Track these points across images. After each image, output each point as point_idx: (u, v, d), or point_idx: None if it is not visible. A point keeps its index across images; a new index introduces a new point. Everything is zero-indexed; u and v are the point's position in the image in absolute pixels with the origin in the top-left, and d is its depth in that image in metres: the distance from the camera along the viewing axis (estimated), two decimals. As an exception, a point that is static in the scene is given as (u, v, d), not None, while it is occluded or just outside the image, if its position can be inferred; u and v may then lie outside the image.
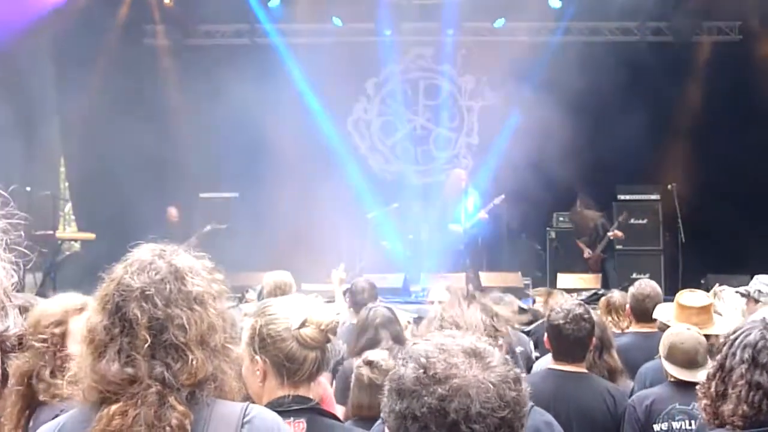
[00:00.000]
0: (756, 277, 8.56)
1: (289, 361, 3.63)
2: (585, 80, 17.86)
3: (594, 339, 6.25)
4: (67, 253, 18.97)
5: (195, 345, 2.81)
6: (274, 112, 18.50)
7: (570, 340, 5.92)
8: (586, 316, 5.99)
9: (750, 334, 3.97)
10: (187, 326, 2.81)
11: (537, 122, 17.89)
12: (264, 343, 3.66)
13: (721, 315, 7.67)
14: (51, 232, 16.50)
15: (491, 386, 2.22)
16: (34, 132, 17.74)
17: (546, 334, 6.15)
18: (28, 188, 16.04)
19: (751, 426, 3.84)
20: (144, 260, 2.91)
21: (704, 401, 4.08)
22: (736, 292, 8.48)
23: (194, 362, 2.78)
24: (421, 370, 2.26)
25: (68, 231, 20.50)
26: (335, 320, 3.75)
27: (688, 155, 18.99)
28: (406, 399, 2.25)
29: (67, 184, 20.87)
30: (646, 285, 8.16)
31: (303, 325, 3.66)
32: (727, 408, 3.93)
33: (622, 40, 20.53)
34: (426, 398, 2.21)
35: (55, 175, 20.52)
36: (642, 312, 7.81)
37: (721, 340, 4.19)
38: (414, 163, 21.53)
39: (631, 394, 6.41)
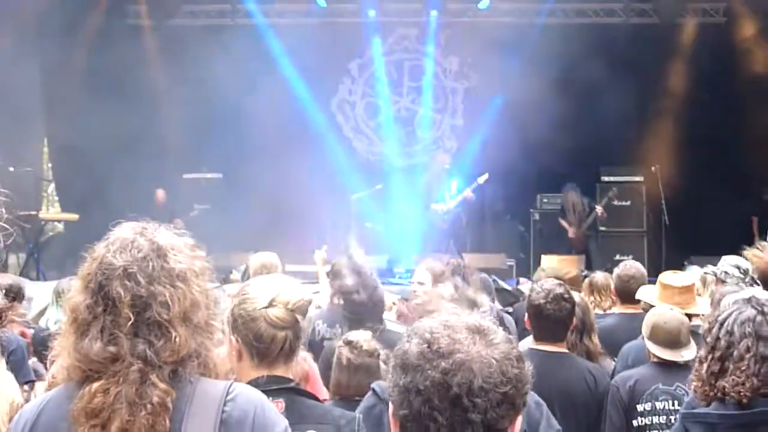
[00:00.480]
0: (723, 258, 8.60)
1: (257, 341, 3.67)
2: (569, 62, 17.91)
3: (575, 321, 6.28)
4: (51, 233, 18.95)
5: (178, 322, 2.80)
6: (258, 93, 18.46)
7: (551, 320, 5.93)
8: (566, 296, 6.01)
9: (743, 311, 4.04)
10: (170, 303, 2.80)
11: (521, 104, 17.88)
12: (236, 323, 3.71)
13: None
14: (34, 212, 16.47)
15: (494, 362, 2.26)
16: (16, 112, 17.65)
17: (526, 315, 6.16)
18: (11, 168, 16.01)
19: (758, 397, 3.89)
20: (126, 238, 2.90)
21: (695, 383, 4.12)
22: (705, 273, 8.55)
23: (177, 339, 2.78)
24: (425, 345, 2.30)
25: (51, 212, 20.45)
26: (304, 299, 3.78)
27: (672, 137, 19.05)
28: (410, 373, 2.28)
29: (50, 164, 20.80)
30: (631, 266, 8.20)
31: (270, 304, 3.70)
32: (727, 383, 3.96)
33: (607, 22, 20.50)
34: (430, 372, 2.25)
35: (38, 156, 20.44)
36: (627, 293, 7.84)
37: (706, 324, 4.24)
38: (398, 145, 21.48)
39: (612, 373, 6.45)
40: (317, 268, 11.16)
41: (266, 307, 3.68)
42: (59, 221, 19.09)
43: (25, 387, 5.45)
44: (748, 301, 4.12)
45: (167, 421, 2.71)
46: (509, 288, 13.92)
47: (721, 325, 4.10)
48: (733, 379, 3.95)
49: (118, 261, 2.83)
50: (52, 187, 21.22)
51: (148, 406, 2.69)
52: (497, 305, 10.08)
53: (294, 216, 17.99)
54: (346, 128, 21.69)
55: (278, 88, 19.38)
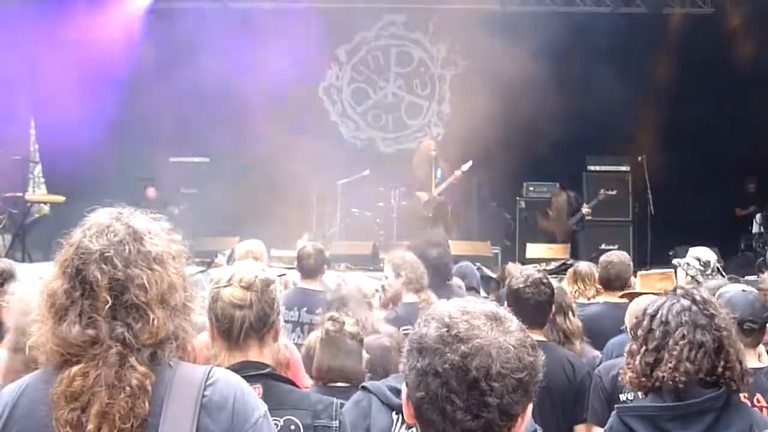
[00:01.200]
0: (690, 249, 8.66)
1: (218, 320, 3.77)
2: (557, 51, 17.94)
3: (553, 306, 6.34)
4: (37, 215, 18.90)
5: (156, 304, 2.82)
6: (246, 77, 18.43)
7: (530, 303, 5.95)
8: (545, 281, 6.06)
9: (676, 302, 4.17)
10: (147, 286, 2.81)
11: (508, 92, 17.90)
12: (209, 304, 3.84)
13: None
14: (20, 194, 16.44)
15: (511, 348, 2.31)
16: (2, 93, 17.61)
17: (506, 302, 6.18)
18: (-2, 150, 15.99)
19: (696, 386, 3.99)
20: (102, 223, 2.91)
21: (629, 375, 4.17)
22: (672, 263, 8.64)
23: (155, 321, 2.79)
24: (445, 329, 2.33)
25: (38, 193, 20.40)
26: (259, 278, 3.84)
27: (658, 127, 19.11)
28: (427, 356, 2.32)
29: (36, 146, 20.74)
30: (615, 255, 8.26)
31: (227, 283, 3.78)
32: (663, 371, 4.03)
33: (594, 11, 20.51)
34: (449, 355, 2.29)
35: (25, 138, 20.38)
36: (611, 281, 7.89)
37: (634, 319, 4.34)
38: (385, 131, 21.53)
39: (596, 365, 6.48)
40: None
41: (223, 287, 3.78)
42: (45, 203, 19.05)
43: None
44: (678, 293, 4.25)
45: (147, 404, 2.72)
46: (494, 276, 13.93)
47: (653, 317, 4.19)
48: (669, 367, 4.02)
49: (94, 245, 2.84)
50: (38, 168, 21.16)
51: (127, 388, 2.70)
52: (482, 293, 10.13)
53: (280, 201, 17.99)
54: (333, 113, 21.73)
55: (265, 73, 19.36)
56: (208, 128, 18.75)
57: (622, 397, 5.76)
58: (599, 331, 7.04)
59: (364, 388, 4.56)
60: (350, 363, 5.19)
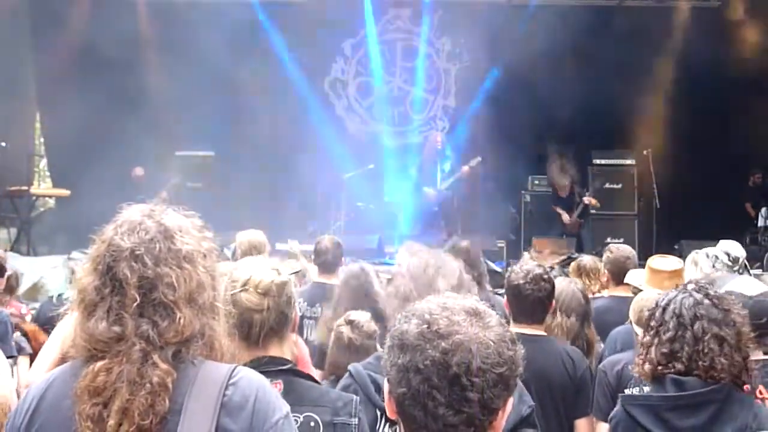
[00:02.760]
0: (720, 242, 8.63)
1: (238, 324, 3.67)
2: (562, 44, 17.91)
3: (579, 308, 6.34)
4: (42, 209, 18.95)
5: (183, 303, 2.84)
6: (251, 71, 18.45)
7: (529, 300, 5.92)
8: (545, 276, 6.01)
9: (688, 296, 4.16)
10: (176, 284, 2.84)
11: (513, 85, 17.92)
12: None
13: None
14: (26, 187, 16.46)
15: (491, 343, 2.35)
16: (9, 87, 17.63)
17: (505, 297, 6.17)
18: (3, 144, 16.01)
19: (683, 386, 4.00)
20: (133, 221, 2.93)
21: (646, 366, 4.18)
22: (696, 253, 8.58)
23: (181, 320, 2.82)
24: (425, 326, 2.38)
25: (43, 187, 20.45)
26: (275, 281, 3.82)
27: (664, 121, 19.08)
28: (408, 353, 2.36)
29: (42, 139, 20.78)
30: (624, 248, 8.24)
31: (243, 288, 3.76)
32: (683, 363, 4.05)
33: (601, 4, 20.49)
34: (429, 351, 2.33)
35: (31, 131, 20.42)
36: (620, 275, 7.87)
37: (646, 312, 4.34)
38: (390, 125, 21.50)
39: (600, 358, 6.47)
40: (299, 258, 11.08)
41: (239, 291, 3.75)
42: (50, 197, 19.10)
43: (9, 361, 5.50)
44: (689, 287, 4.23)
45: (167, 401, 2.73)
46: (499, 269, 13.91)
47: (665, 309, 4.18)
48: (701, 364, 4.02)
49: (125, 243, 2.87)
50: (44, 162, 21.20)
51: (148, 385, 2.72)
52: (488, 287, 10.11)
53: (286, 195, 18.02)
54: (339, 107, 21.70)
55: (271, 67, 19.37)
56: (214, 122, 18.73)
57: (627, 391, 5.75)
58: (606, 325, 7.01)
59: (350, 374, 4.55)
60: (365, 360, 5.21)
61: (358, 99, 21.70)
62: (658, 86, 19.16)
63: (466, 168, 17.29)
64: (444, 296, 2.52)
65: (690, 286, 4.26)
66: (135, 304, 2.80)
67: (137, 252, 2.85)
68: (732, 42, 18.84)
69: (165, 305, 2.83)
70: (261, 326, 3.75)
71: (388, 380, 2.44)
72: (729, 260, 8.05)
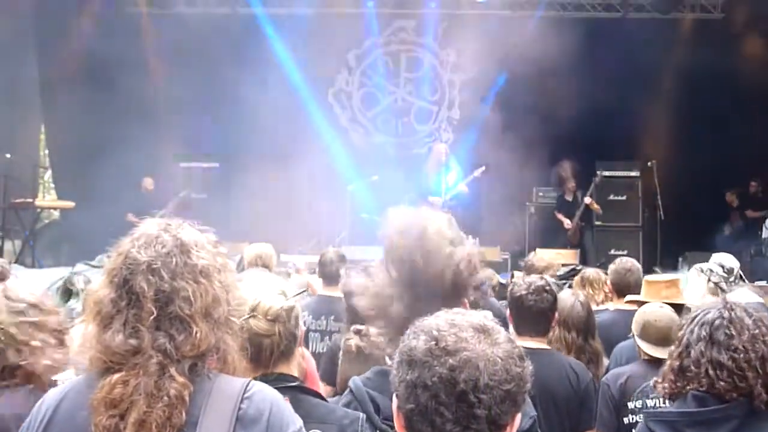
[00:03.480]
0: (713, 255, 8.65)
1: (248, 346, 3.68)
2: (566, 56, 17.87)
3: (580, 323, 6.35)
4: (46, 221, 18.96)
5: (199, 317, 2.87)
6: (255, 82, 18.46)
7: (532, 311, 5.92)
8: (547, 288, 6.02)
9: (708, 313, 4.12)
10: (192, 299, 2.87)
11: (517, 97, 17.92)
12: None
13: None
14: (30, 200, 16.49)
15: (499, 360, 2.36)
16: (14, 99, 17.67)
17: (508, 309, 6.17)
18: (8, 155, 16.03)
19: (704, 402, 3.98)
20: (150, 234, 2.97)
21: (670, 377, 4.18)
22: (694, 268, 8.60)
23: (198, 334, 2.84)
24: (433, 342, 2.39)
25: (47, 199, 20.46)
26: (284, 308, 3.84)
27: (668, 132, 19.08)
28: (416, 369, 2.38)
29: (47, 151, 20.81)
30: (626, 261, 8.24)
31: (251, 314, 3.77)
32: (682, 384, 4.06)
33: (605, 16, 20.53)
34: (437, 368, 2.34)
35: (35, 143, 20.46)
36: (624, 288, 7.87)
37: (683, 320, 4.34)
38: (394, 136, 21.53)
39: (605, 373, 6.46)
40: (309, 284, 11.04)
41: (248, 318, 3.74)
42: (55, 209, 19.10)
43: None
44: (722, 301, 4.23)
45: (183, 414, 2.76)
46: (504, 281, 13.88)
47: (690, 322, 4.20)
48: (686, 384, 4.04)
49: (142, 256, 2.90)
50: (48, 174, 21.22)
51: (165, 398, 2.75)
52: (494, 300, 10.11)
53: (290, 206, 18.02)
54: (343, 118, 21.71)
55: (275, 78, 19.39)
56: (218, 134, 18.77)
57: (630, 404, 5.77)
58: (612, 339, 7.00)
59: (350, 390, 4.55)
60: None
61: (362, 110, 21.71)
62: (663, 98, 19.16)
63: (470, 177, 17.28)
64: (453, 312, 2.53)
65: (715, 303, 4.26)
66: (151, 317, 2.83)
67: (154, 265, 2.88)
68: (736, 53, 18.82)
69: (181, 319, 2.85)
70: (271, 351, 3.79)
71: (397, 396, 2.45)
72: (724, 272, 8.07)
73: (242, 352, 3.18)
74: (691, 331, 4.12)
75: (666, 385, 4.19)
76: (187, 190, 18.29)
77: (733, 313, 4.08)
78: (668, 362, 4.22)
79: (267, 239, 9.93)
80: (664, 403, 5.69)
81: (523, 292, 5.94)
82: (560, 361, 6.01)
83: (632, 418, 5.77)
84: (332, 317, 8.36)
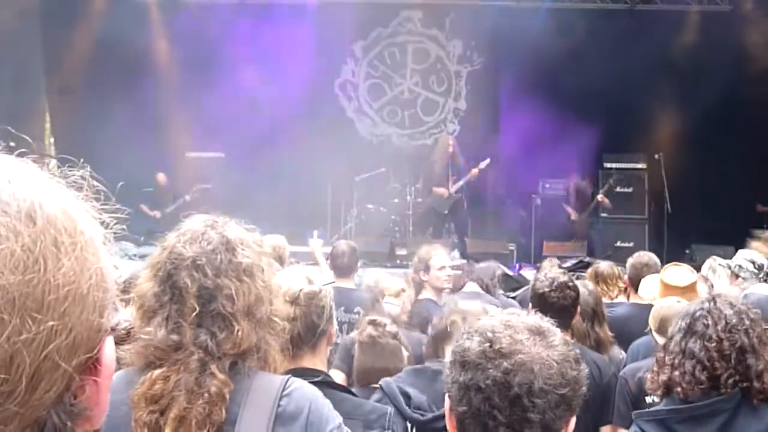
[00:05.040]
0: (740, 251, 8.65)
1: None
2: (573, 47, 17.89)
3: (587, 309, 6.32)
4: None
5: (242, 315, 2.86)
6: (262, 72, 18.46)
7: (555, 308, 5.92)
8: (570, 284, 6.04)
9: (694, 306, 4.25)
10: (235, 297, 2.86)
11: (524, 88, 17.90)
12: None
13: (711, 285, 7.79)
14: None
15: (554, 364, 2.32)
16: (19, 87, 17.65)
17: (530, 305, 6.17)
18: (12, 143, 15.97)
19: (686, 395, 4.05)
20: (196, 230, 2.97)
21: (653, 368, 4.23)
22: (720, 265, 8.58)
23: (240, 332, 2.83)
24: (487, 344, 2.35)
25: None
26: (304, 290, 3.79)
27: (675, 125, 19.06)
28: (470, 371, 2.34)
29: (52, 139, 20.78)
30: (643, 255, 8.23)
31: None
32: (662, 377, 4.09)
33: (612, 8, 20.48)
34: (491, 371, 2.31)
35: (41, 132, 20.44)
36: (638, 282, 7.84)
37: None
38: (401, 127, 21.51)
39: (622, 368, 6.46)
40: (316, 255, 11.11)
41: None
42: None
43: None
44: (708, 297, 4.28)
45: (223, 411, 2.76)
46: (512, 274, 13.88)
47: (678, 318, 4.25)
48: (665, 377, 4.07)
49: (187, 252, 2.90)
50: (53, 163, 21.18)
51: (206, 395, 2.75)
52: (500, 291, 10.10)
53: (296, 197, 18.02)
54: (350, 110, 21.69)
55: (282, 68, 19.36)
56: (224, 124, 18.75)
57: (648, 399, 5.76)
58: (628, 333, 6.99)
59: (381, 388, 4.54)
60: (393, 363, 5.20)
61: (369, 101, 21.68)
62: (670, 90, 19.09)
63: (475, 170, 17.24)
64: (509, 313, 2.51)
65: (705, 299, 4.29)
66: (194, 313, 2.82)
67: (198, 262, 2.88)
68: (743, 45, 18.79)
69: (223, 317, 2.85)
70: (290, 335, 3.72)
71: (449, 397, 2.42)
72: (755, 268, 8.07)
73: (286, 347, 3.19)
74: (676, 324, 4.18)
75: (648, 377, 4.23)
76: (202, 185, 18.25)
77: (712, 304, 4.14)
78: (665, 360, 4.25)
79: (271, 230, 9.92)
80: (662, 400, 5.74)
81: (546, 289, 5.95)
82: (584, 355, 6.01)
83: (650, 413, 5.78)
84: (342, 308, 8.35)
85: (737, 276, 8.10)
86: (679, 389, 4.05)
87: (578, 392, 2.36)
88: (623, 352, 6.88)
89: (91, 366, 1.18)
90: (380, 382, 4.41)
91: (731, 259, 8.50)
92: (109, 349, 1.21)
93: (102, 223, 1.27)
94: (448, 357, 2.47)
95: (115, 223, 1.31)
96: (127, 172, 17.00)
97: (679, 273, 7.32)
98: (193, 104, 18.65)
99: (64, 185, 1.24)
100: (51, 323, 1.08)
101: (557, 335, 2.42)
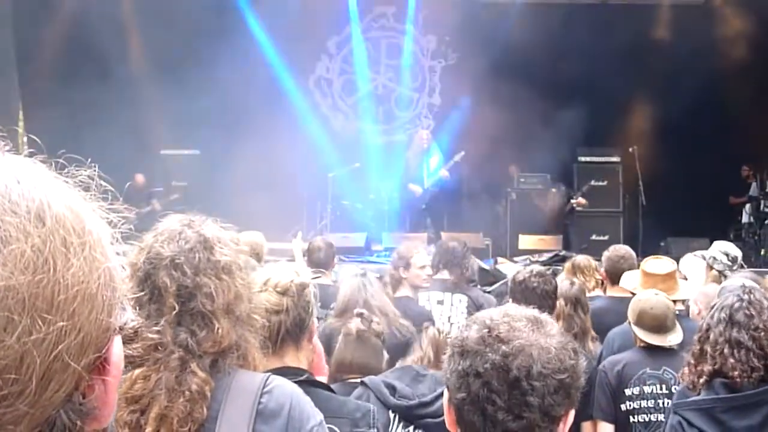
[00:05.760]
0: (715, 243, 8.71)
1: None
2: (547, 42, 17.95)
3: (572, 297, 6.39)
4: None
5: (221, 313, 2.86)
6: (236, 69, 18.41)
7: (537, 293, 5.98)
8: (548, 272, 6.12)
9: (728, 298, 4.24)
10: (214, 295, 2.86)
11: (499, 83, 17.91)
12: None
13: (686, 279, 7.84)
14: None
15: (552, 349, 2.33)
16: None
17: (510, 298, 6.19)
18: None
19: (738, 384, 4.05)
20: (174, 230, 2.97)
21: (690, 360, 4.25)
22: (694, 255, 8.64)
23: (219, 330, 2.84)
24: (486, 330, 2.36)
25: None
26: (295, 281, 3.75)
27: (649, 118, 19.15)
28: (469, 358, 2.35)
29: (26, 139, 20.67)
30: (620, 248, 8.27)
31: (263, 288, 3.70)
32: (707, 367, 4.10)
33: (584, 3, 20.52)
34: (490, 355, 2.31)
35: (14, 133, 20.30)
36: (617, 275, 7.88)
37: (705, 312, 4.40)
38: (375, 122, 21.51)
39: (599, 359, 6.49)
40: (294, 252, 11.07)
41: (259, 292, 3.66)
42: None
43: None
44: (740, 287, 4.28)
45: (204, 409, 2.77)
46: (488, 267, 13.87)
47: (710, 311, 4.26)
48: (709, 367, 4.09)
49: (165, 251, 2.90)
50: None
51: (187, 393, 2.75)
52: (477, 285, 10.12)
53: (271, 194, 17.97)
54: (324, 105, 21.68)
55: (256, 64, 19.35)
56: (199, 121, 18.68)
57: (627, 391, 5.80)
58: (606, 325, 7.03)
59: (363, 383, 4.56)
60: (374, 361, 5.21)
61: (343, 97, 21.68)
62: (643, 83, 19.17)
63: (450, 163, 17.26)
64: (507, 305, 2.53)
65: (731, 287, 4.32)
66: (173, 312, 2.82)
67: (177, 261, 2.88)
68: (716, 38, 18.88)
69: (203, 315, 2.85)
70: (278, 328, 3.68)
71: (448, 387, 2.43)
72: (729, 260, 8.13)
73: (266, 344, 3.19)
74: (711, 317, 4.22)
75: (686, 370, 4.24)
76: (163, 201, 18.13)
77: (752, 296, 4.16)
78: (690, 349, 4.29)
79: (247, 227, 9.90)
80: (661, 389, 5.74)
81: (527, 275, 6.01)
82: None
83: (630, 405, 5.81)
84: (319, 304, 8.34)
85: (711, 268, 8.17)
86: (734, 376, 4.06)
87: (577, 381, 2.36)
88: (599, 344, 6.91)
89: (100, 365, 1.18)
90: (365, 380, 4.42)
91: (705, 251, 8.56)
92: (117, 349, 1.21)
93: (109, 222, 1.28)
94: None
95: (123, 224, 1.32)
96: (101, 169, 17.02)
97: (659, 262, 7.38)
98: (167, 101, 18.58)
99: (70, 184, 1.24)
100: (61, 323, 1.08)
101: (555, 326, 2.44)
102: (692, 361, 4.26)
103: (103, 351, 1.18)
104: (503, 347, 2.30)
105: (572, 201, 17.62)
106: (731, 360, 4.06)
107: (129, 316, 1.30)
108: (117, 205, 1.34)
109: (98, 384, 1.18)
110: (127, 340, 1.30)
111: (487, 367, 2.29)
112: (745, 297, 4.18)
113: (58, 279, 1.09)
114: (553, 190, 18.12)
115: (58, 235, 1.11)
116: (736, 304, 4.16)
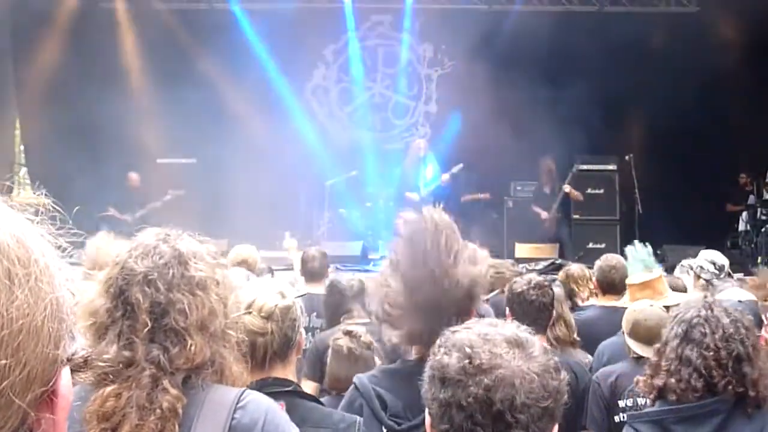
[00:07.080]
0: (701, 252, 8.70)
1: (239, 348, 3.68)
2: (543, 50, 17.97)
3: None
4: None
5: (195, 330, 2.84)
6: (233, 77, 18.44)
7: (535, 305, 5.94)
8: (546, 283, 6.09)
9: (689, 311, 4.22)
10: (188, 311, 2.83)
11: (495, 91, 17.91)
12: None
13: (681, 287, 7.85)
14: (6, 197, 16.35)
15: (535, 377, 2.31)
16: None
17: (508, 308, 6.17)
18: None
19: (681, 401, 4.06)
20: (148, 245, 2.94)
21: (647, 372, 4.26)
22: (681, 265, 8.66)
23: (192, 347, 2.81)
24: (466, 360, 2.33)
25: (23, 195, 20.29)
26: (279, 305, 3.77)
27: (646, 126, 19.15)
28: (450, 388, 2.32)
29: (22, 147, 20.67)
30: (611, 258, 8.25)
31: (247, 311, 3.70)
32: (657, 381, 4.12)
33: (581, 10, 20.55)
34: (471, 388, 2.28)
35: (10, 139, 20.32)
36: (609, 285, 7.87)
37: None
38: (372, 131, 21.51)
39: (589, 371, 6.48)
40: (290, 255, 11.09)
41: (243, 314, 3.66)
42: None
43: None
44: (702, 300, 4.31)
45: (176, 427, 2.73)
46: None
47: (671, 321, 4.28)
48: (660, 381, 4.11)
49: (139, 267, 2.87)
50: (24, 171, 21.09)
51: (158, 410, 2.72)
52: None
53: (268, 202, 17.96)
54: (321, 113, 21.67)
55: (253, 73, 19.35)
56: (196, 129, 18.68)
57: (621, 403, 5.78)
58: (596, 336, 7.01)
59: (355, 386, 4.54)
60: (364, 371, 5.22)
61: (340, 105, 21.69)
62: (640, 91, 19.17)
63: (446, 175, 17.26)
64: (486, 325, 2.48)
65: (698, 303, 4.31)
66: (146, 329, 2.80)
67: (150, 276, 2.85)
68: (712, 46, 18.87)
69: (176, 331, 2.82)
70: (265, 349, 3.72)
71: (430, 414, 2.41)
72: (715, 269, 8.13)
73: (240, 363, 3.18)
74: (671, 329, 4.21)
75: (641, 382, 4.27)
76: (171, 194, 18.14)
77: (710, 312, 4.17)
78: (649, 360, 4.30)
79: (244, 235, 9.91)
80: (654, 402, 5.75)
81: (525, 287, 5.98)
82: (561, 362, 6.01)
83: (623, 417, 5.77)
84: (314, 314, 8.35)
85: (699, 277, 8.17)
86: (673, 396, 4.08)
87: (560, 402, 2.36)
88: (589, 356, 6.89)
89: (47, 398, 1.16)
90: (354, 380, 4.40)
91: (693, 260, 8.57)
92: (65, 380, 1.19)
93: (58, 247, 1.24)
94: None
95: (71, 249, 1.29)
96: (97, 178, 17.01)
97: (639, 273, 7.40)
98: (163, 110, 18.58)
99: (18, 209, 1.20)
100: (3, 361, 1.05)
101: (536, 345, 2.41)
102: (649, 372, 4.28)
103: (50, 384, 1.15)
104: (485, 379, 2.28)
105: (564, 188, 17.55)
106: (674, 378, 4.08)
107: (78, 345, 1.26)
108: (66, 229, 1.30)
109: (45, 418, 1.16)
110: (76, 369, 1.26)
111: (470, 400, 2.27)
112: (703, 313, 4.18)
113: (1, 313, 1.06)
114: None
115: (2, 267, 1.08)
116: (694, 320, 4.16)
